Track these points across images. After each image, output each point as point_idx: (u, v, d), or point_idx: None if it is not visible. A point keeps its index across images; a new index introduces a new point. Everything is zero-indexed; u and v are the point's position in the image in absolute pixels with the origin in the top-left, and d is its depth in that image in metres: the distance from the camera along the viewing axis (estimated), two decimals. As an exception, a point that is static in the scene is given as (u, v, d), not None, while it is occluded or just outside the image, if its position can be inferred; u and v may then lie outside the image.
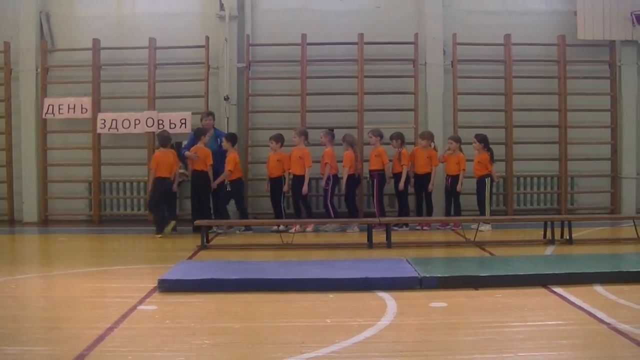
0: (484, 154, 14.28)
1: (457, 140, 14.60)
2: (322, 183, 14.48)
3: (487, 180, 14.21)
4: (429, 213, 14.60)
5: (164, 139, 13.88)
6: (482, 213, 14.18)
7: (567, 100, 16.14)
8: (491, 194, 14.43)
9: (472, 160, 14.55)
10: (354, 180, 14.63)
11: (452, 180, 14.44)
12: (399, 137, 14.59)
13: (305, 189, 14.23)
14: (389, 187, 14.84)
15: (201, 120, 14.75)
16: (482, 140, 14.35)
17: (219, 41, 16.20)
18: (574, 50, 16.26)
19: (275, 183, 14.49)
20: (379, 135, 14.63)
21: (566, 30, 16.21)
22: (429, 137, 14.69)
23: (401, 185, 14.40)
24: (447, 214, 14.57)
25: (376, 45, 15.99)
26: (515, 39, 16.04)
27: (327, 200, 14.27)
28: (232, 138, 14.34)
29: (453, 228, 14.22)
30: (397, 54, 16.23)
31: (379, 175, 14.45)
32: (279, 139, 14.52)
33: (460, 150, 14.55)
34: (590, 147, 16.50)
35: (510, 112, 16.06)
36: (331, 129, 14.85)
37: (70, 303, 8.00)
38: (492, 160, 14.37)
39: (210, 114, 14.96)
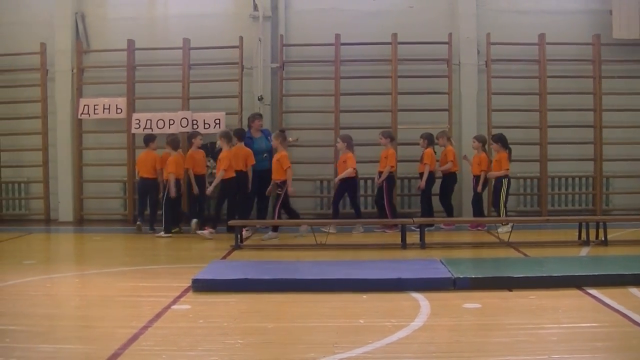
0: (502, 153, 14.03)
1: (481, 139, 14.51)
2: (289, 188, 13.38)
3: (505, 181, 13.91)
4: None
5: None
6: (497, 214, 14.05)
7: (602, 100, 15.98)
8: (507, 194, 14.08)
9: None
10: (355, 182, 14.40)
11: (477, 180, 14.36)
12: (427, 138, 14.53)
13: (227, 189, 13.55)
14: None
15: (252, 121, 14.69)
16: (499, 139, 14.14)
17: (252, 41, 16.22)
18: (609, 50, 16.09)
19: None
20: (389, 137, 14.44)
21: (601, 29, 16.03)
22: (442, 135, 14.65)
23: (422, 184, 14.31)
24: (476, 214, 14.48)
25: (409, 45, 15.92)
26: (549, 38, 15.90)
27: (276, 205, 13.57)
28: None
29: (473, 228, 14.19)
30: (430, 54, 16.16)
31: (388, 177, 14.19)
32: (181, 140, 14.36)
33: (484, 150, 14.45)
34: (626, 147, 16.31)
35: (545, 112, 15.94)
36: (282, 130, 14.48)
37: (105, 302, 8.08)
38: (510, 159, 14.13)
39: (259, 115, 14.99)
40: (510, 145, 15.21)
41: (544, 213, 15.97)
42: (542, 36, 15.93)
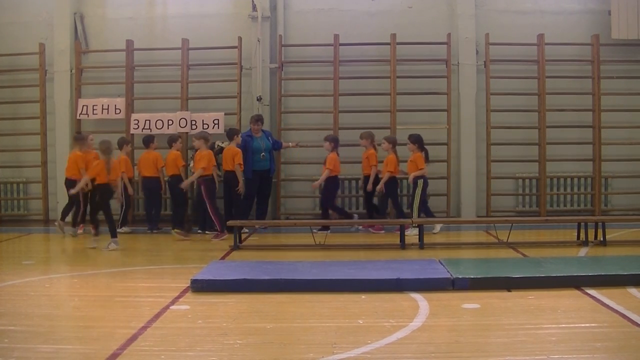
0: (417, 154, 13.82)
1: (391, 141, 14.21)
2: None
3: (420, 182, 13.63)
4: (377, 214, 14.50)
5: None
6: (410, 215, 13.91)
7: (601, 100, 15.98)
8: (423, 195, 13.74)
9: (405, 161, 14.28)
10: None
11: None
12: (368, 137, 14.33)
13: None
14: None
15: (250, 122, 14.64)
16: (416, 140, 13.91)
17: (251, 42, 16.24)
18: (608, 50, 16.09)
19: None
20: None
21: (600, 29, 16.05)
22: (367, 136, 14.36)
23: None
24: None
25: (408, 45, 15.95)
26: (548, 38, 15.90)
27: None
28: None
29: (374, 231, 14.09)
30: (429, 54, 16.19)
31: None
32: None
33: (394, 152, 14.11)
34: (625, 147, 16.32)
35: (544, 113, 15.94)
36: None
37: (104, 302, 8.08)
38: (427, 160, 13.91)
39: (258, 119, 14.80)
40: (509, 146, 15.29)
41: (543, 213, 15.98)
42: (540, 36, 15.94)
